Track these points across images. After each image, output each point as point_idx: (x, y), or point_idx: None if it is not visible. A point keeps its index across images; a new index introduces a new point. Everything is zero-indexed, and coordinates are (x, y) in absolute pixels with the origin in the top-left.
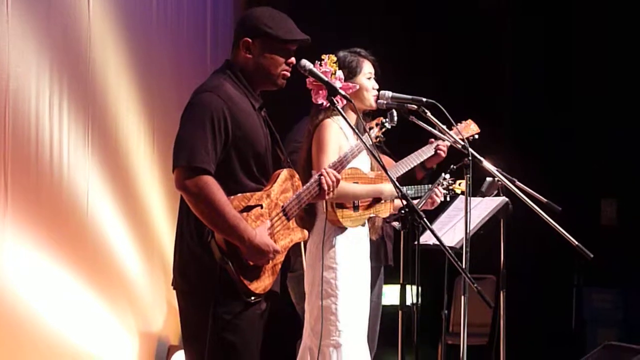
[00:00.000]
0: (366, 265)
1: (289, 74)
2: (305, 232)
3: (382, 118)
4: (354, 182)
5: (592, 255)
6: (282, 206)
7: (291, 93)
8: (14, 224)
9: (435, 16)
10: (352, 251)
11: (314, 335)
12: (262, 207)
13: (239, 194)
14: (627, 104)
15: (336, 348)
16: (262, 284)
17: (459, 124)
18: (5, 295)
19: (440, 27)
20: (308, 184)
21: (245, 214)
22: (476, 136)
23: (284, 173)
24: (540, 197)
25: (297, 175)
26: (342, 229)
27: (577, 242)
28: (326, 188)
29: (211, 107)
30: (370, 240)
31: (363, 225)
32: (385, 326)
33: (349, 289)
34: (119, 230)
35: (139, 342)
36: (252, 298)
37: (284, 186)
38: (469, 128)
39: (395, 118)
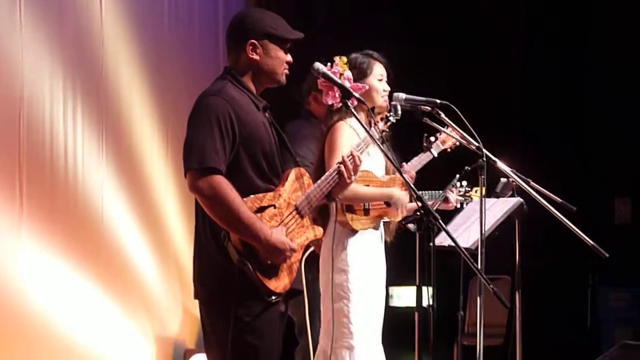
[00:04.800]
0: (380, 268)
1: (287, 72)
2: (320, 229)
3: (386, 112)
4: (365, 185)
5: (607, 255)
6: (295, 205)
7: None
8: (30, 230)
9: (448, 15)
10: (364, 254)
11: (327, 337)
12: (275, 207)
13: (252, 196)
14: None
15: (349, 350)
16: (281, 283)
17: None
18: (21, 299)
19: (451, 29)
20: (327, 174)
21: (259, 214)
22: (457, 143)
23: (294, 172)
24: (555, 197)
25: (307, 175)
26: (354, 231)
27: (592, 242)
28: (346, 175)
29: (216, 108)
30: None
31: (376, 228)
32: (401, 328)
33: (361, 292)
34: (134, 234)
35: (156, 346)
36: (273, 298)
37: (294, 185)
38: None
39: (400, 111)
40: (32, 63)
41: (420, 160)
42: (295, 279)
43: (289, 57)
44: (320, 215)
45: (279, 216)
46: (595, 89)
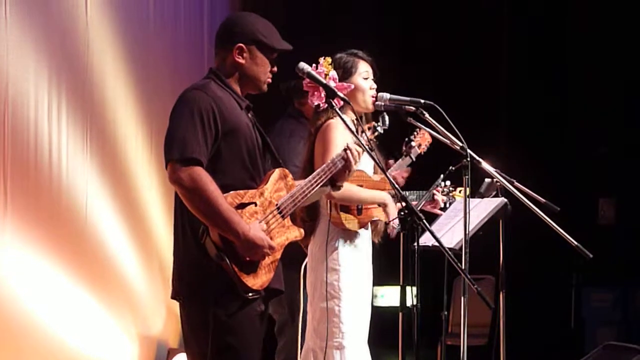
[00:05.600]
0: (368, 268)
1: (270, 81)
2: (302, 230)
3: (374, 122)
4: (359, 185)
5: (591, 255)
6: (277, 204)
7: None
8: (14, 228)
9: (433, 14)
10: (355, 253)
11: (316, 336)
12: (256, 205)
13: (232, 192)
14: (625, 103)
15: (339, 350)
16: (259, 280)
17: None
18: (5, 298)
19: (438, 26)
20: (318, 170)
21: (239, 211)
22: (428, 145)
23: (277, 172)
24: (539, 197)
25: (290, 175)
26: (346, 231)
27: (576, 242)
28: (352, 161)
29: (199, 102)
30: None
31: (366, 228)
32: (385, 328)
33: (351, 291)
34: (118, 233)
35: (139, 346)
36: (250, 294)
37: (277, 185)
38: (424, 138)
39: (387, 121)
40: (17, 61)
41: (400, 165)
42: (275, 278)
43: (274, 67)
44: (309, 217)
45: (260, 214)
46: (580, 89)
